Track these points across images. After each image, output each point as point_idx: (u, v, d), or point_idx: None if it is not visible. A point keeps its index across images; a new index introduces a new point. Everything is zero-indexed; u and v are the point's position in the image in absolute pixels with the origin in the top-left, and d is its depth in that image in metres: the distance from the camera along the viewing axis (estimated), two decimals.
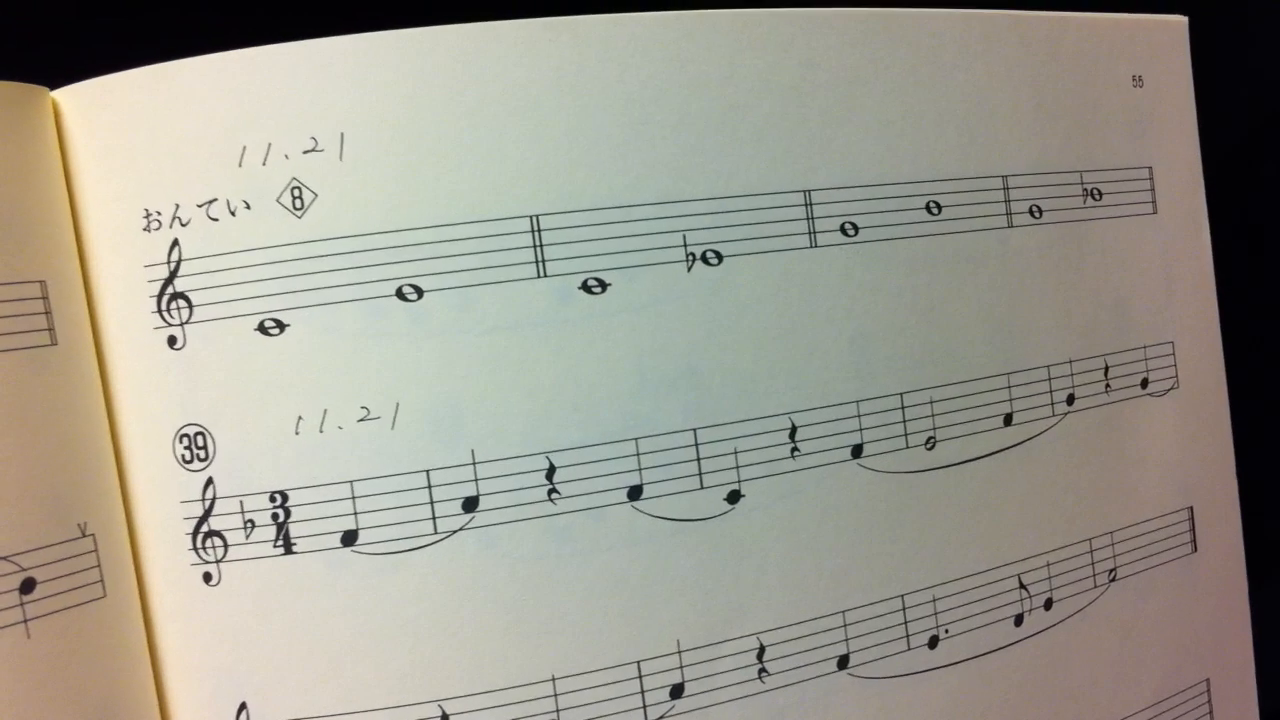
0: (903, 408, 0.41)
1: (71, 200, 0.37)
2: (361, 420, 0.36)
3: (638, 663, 0.38)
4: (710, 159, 0.39)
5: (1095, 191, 0.45)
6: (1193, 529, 0.48)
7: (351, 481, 0.36)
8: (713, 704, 0.39)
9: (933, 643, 0.42)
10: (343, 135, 0.36)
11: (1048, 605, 0.44)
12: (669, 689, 0.38)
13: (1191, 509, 0.48)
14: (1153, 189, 0.47)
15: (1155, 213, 0.47)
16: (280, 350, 0.36)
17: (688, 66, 0.38)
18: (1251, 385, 0.51)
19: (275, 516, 0.36)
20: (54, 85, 0.37)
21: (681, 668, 0.39)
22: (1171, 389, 0.48)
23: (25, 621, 0.34)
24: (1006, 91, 0.43)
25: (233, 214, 0.36)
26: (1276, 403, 0.57)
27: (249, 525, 0.36)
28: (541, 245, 0.37)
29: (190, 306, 0.36)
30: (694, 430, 0.38)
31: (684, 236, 0.38)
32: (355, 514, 0.36)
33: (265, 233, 0.36)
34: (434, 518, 0.36)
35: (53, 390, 0.35)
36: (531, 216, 0.37)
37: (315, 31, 0.36)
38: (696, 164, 0.38)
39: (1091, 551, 0.45)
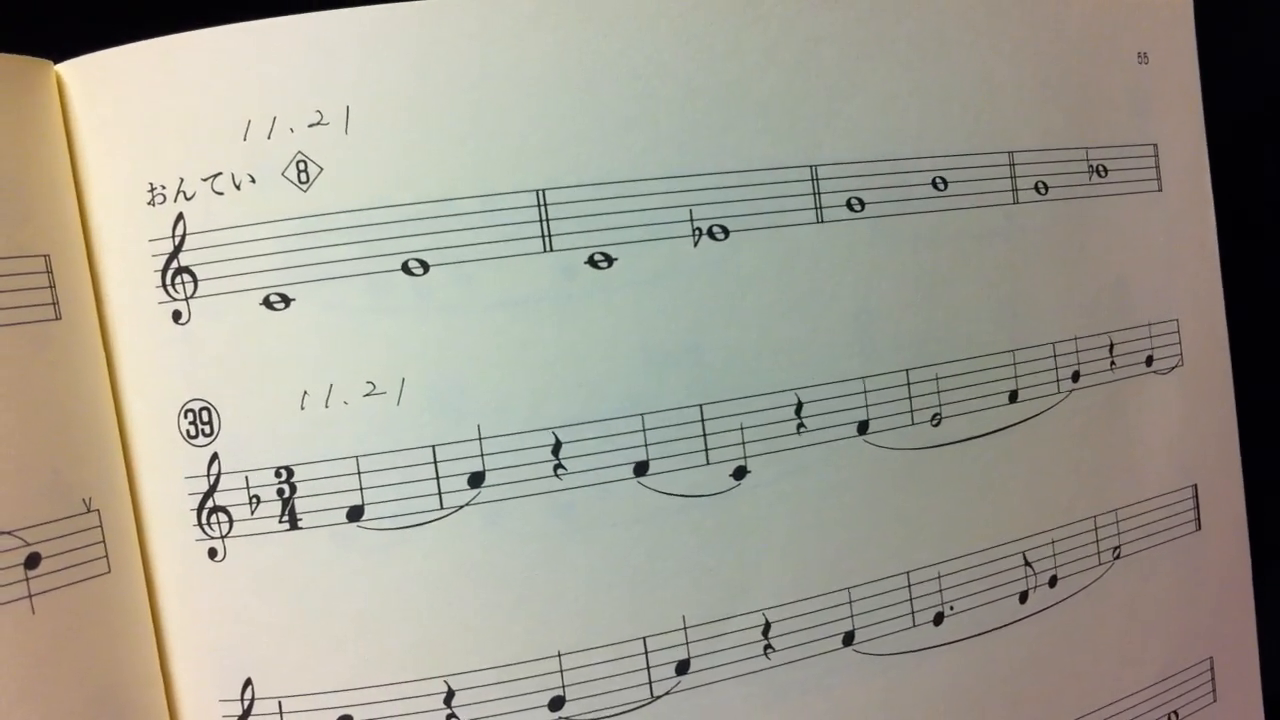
0: (908, 384, 0.41)
1: (75, 174, 0.37)
2: (367, 395, 0.36)
3: (643, 639, 0.38)
4: (716, 133, 0.38)
5: (1101, 168, 0.45)
6: (1197, 507, 0.48)
7: (357, 457, 0.36)
8: (718, 680, 0.39)
9: (938, 620, 0.42)
10: (348, 109, 0.35)
11: (1052, 583, 0.44)
12: (675, 665, 0.38)
13: (1195, 487, 0.48)
14: (1158, 166, 0.47)
15: (1160, 190, 0.47)
16: (285, 325, 0.36)
17: (693, 40, 0.38)
18: (1256, 363, 0.51)
19: (280, 492, 0.36)
20: (58, 59, 0.37)
21: (687, 644, 0.38)
22: (1176, 366, 0.47)
23: (30, 597, 0.34)
24: (1012, 67, 0.43)
25: (238, 188, 0.35)
26: None
27: (254, 501, 0.36)
28: (548, 220, 0.37)
29: (195, 281, 0.36)
30: (700, 406, 0.38)
31: (690, 211, 0.38)
32: (361, 490, 0.36)
33: (270, 207, 0.35)
34: (440, 493, 0.36)
35: (57, 365, 0.35)
36: (537, 191, 0.37)
37: (320, 4, 0.36)
38: (702, 138, 0.38)
39: (1096, 529, 0.45)
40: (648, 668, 0.38)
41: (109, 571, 0.36)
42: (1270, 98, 0.58)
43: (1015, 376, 0.43)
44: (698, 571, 0.39)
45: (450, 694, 0.36)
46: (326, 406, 0.36)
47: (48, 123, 0.36)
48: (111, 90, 0.36)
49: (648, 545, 0.38)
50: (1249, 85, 0.57)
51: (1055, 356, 0.44)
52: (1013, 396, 0.43)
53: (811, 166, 0.40)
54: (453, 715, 0.36)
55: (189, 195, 0.36)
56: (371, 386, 0.36)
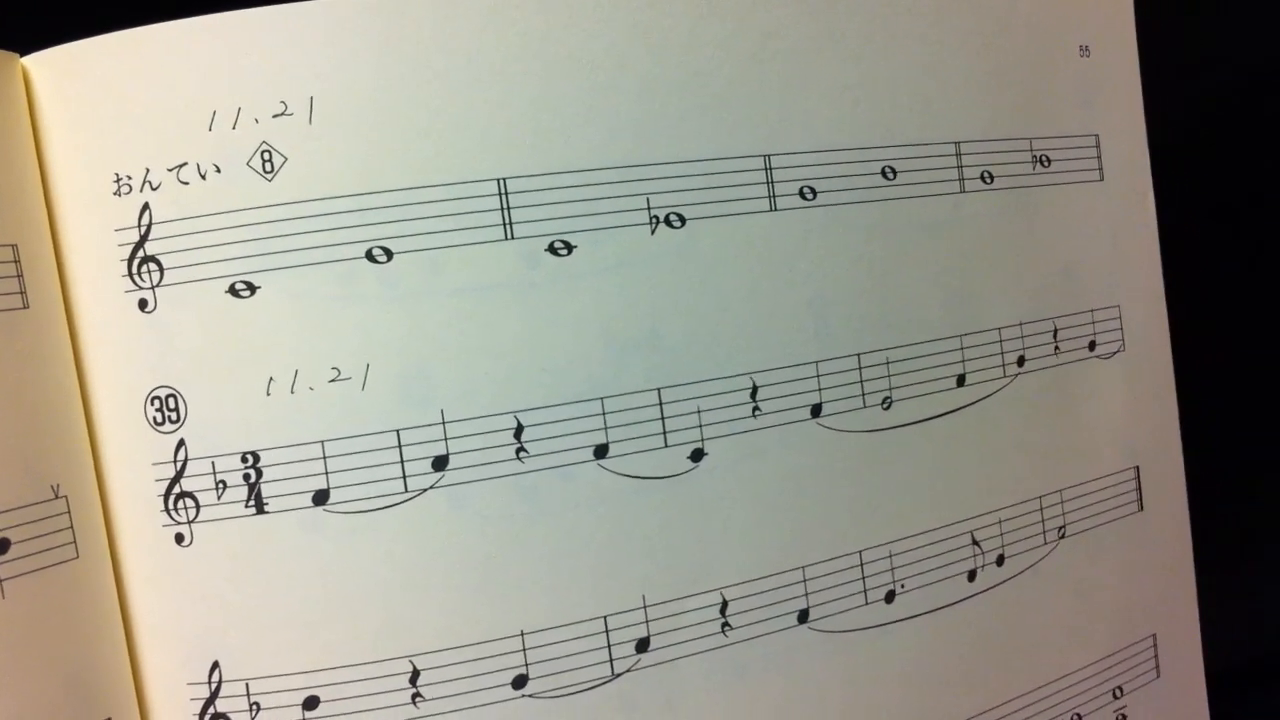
0: (860, 368, 0.42)
1: (42, 165, 0.37)
2: (332, 381, 0.36)
3: (604, 617, 0.39)
4: (673, 123, 0.39)
5: (1044, 158, 0.46)
6: (1139, 488, 0.50)
7: (322, 441, 0.36)
8: (677, 657, 0.40)
9: (889, 597, 0.43)
10: (312, 99, 0.36)
11: (999, 561, 0.46)
12: (635, 643, 0.39)
13: (1138, 469, 0.49)
14: (1099, 157, 0.48)
15: (1102, 180, 0.48)
16: (251, 312, 0.36)
17: (650, 33, 0.39)
18: (1196, 348, 0.52)
19: (247, 477, 0.36)
20: (24, 51, 0.37)
21: (647, 622, 0.39)
22: (1118, 351, 0.49)
23: (0, 581, 0.34)
24: (959, 60, 0.44)
25: (203, 178, 0.36)
26: (1219, 365, 0.59)
27: (221, 486, 0.36)
28: (509, 208, 0.37)
29: (161, 270, 0.36)
30: (658, 390, 0.39)
31: (647, 199, 0.39)
32: (326, 474, 0.37)
33: (235, 196, 0.36)
34: (404, 477, 0.37)
35: (24, 353, 0.36)
36: (499, 179, 0.37)
37: None
38: (659, 128, 0.39)
39: (1041, 509, 0.46)
40: (608, 646, 0.39)
41: (77, 557, 0.36)
42: (1208, 90, 0.60)
43: (963, 361, 0.44)
44: (657, 551, 0.39)
45: (415, 674, 0.37)
46: (292, 392, 0.36)
47: (14, 114, 0.36)
48: (77, 82, 0.36)
49: (608, 526, 0.39)
50: (1188, 78, 0.58)
51: (1001, 341, 0.45)
52: (960, 380, 0.44)
53: (765, 156, 0.40)
54: (418, 694, 0.37)
55: (154, 185, 0.36)
56: (337, 372, 0.36)
